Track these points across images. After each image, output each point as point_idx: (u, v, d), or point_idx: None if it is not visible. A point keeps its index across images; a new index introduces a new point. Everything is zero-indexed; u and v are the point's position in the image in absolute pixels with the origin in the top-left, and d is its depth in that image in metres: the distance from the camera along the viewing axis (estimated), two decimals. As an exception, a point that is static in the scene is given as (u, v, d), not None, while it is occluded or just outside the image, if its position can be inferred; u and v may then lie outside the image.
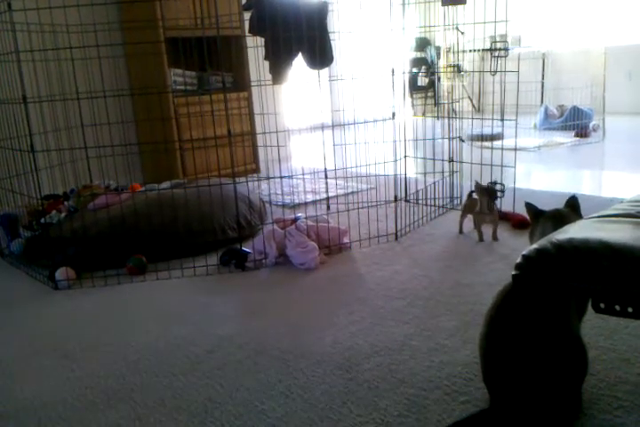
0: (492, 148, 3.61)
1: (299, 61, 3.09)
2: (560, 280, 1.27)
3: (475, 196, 2.89)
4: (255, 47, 3.23)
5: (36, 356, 1.89)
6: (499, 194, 3.09)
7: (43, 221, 2.85)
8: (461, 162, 3.38)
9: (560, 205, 1.73)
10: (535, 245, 1.31)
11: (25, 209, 3.00)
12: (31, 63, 3.66)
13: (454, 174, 3.39)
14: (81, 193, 3.13)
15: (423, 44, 7.88)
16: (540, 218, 1.69)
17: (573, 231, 1.34)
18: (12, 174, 2.87)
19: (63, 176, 3.61)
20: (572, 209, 1.70)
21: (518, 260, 1.31)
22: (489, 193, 2.70)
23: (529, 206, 1.73)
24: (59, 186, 3.52)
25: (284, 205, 3.59)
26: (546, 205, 1.77)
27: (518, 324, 1.34)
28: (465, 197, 2.94)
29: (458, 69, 6.79)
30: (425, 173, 3.79)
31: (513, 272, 1.31)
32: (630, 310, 1.14)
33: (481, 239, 2.73)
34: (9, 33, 2.50)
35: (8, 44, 2.56)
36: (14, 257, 2.86)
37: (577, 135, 5.54)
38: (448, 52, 7.00)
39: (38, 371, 1.79)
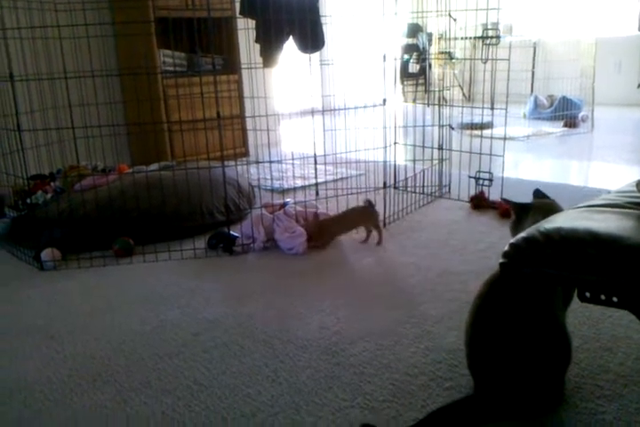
0: (481, 136, 3.62)
1: (290, 45, 3.06)
2: (547, 269, 1.28)
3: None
4: (246, 29, 3.19)
5: (20, 337, 1.88)
6: (487, 183, 3.11)
7: (29, 201, 2.82)
8: (451, 150, 3.38)
9: (550, 194, 1.74)
10: (523, 234, 1.32)
11: (11, 189, 2.97)
12: (18, 41, 3.59)
13: (443, 162, 3.39)
14: (68, 174, 3.09)
15: (415, 30, 7.83)
16: (528, 210, 1.69)
17: (561, 221, 1.35)
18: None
19: (50, 156, 3.56)
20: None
21: (506, 248, 1.31)
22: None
23: (508, 201, 1.73)
24: (45, 166, 3.48)
25: (272, 190, 3.58)
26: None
27: (504, 312, 1.35)
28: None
29: (449, 57, 6.77)
30: (414, 161, 3.79)
31: (500, 260, 1.32)
32: (615, 299, 1.15)
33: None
34: (-5, 9, 2.45)
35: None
36: (-1, 237, 2.84)
37: (565, 125, 5.56)
38: (440, 38, 6.97)
39: (23, 352, 1.79)
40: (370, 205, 2.63)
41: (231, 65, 4.47)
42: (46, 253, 2.45)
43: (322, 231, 2.57)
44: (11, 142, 2.65)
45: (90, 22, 3.93)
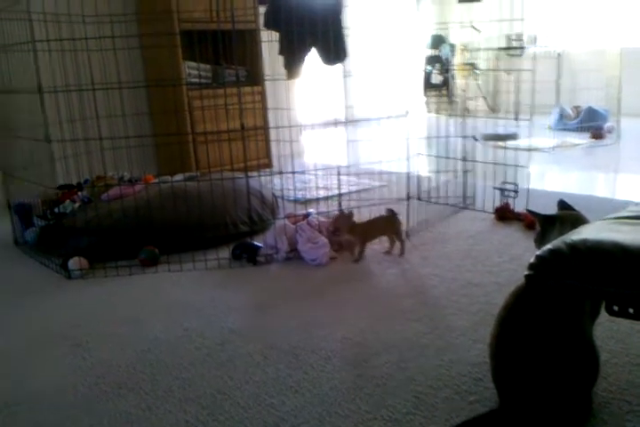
0: (505, 147, 3.60)
1: (313, 57, 3.08)
2: (573, 281, 1.27)
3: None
4: (270, 42, 3.22)
5: (48, 344, 1.91)
6: (512, 194, 3.09)
7: (57, 210, 2.87)
8: (474, 161, 3.36)
9: (576, 206, 1.72)
10: (549, 246, 1.31)
11: (39, 198, 3.02)
12: (47, 53, 3.67)
13: (467, 173, 3.38)
14: (95, 184, 3.14)
15: (438, 41, 7.83)
16: (554, 222, 1.67)
17: (588, 232, 1.33)
18: (28, 164, 2.89)
19: (77, 166, 3.62)
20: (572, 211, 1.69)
21: (532, 260, 1.30)
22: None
23: (533, 213, 1.72)
24: (73, 176, 3.53)
25: (295, 201, 3.59)
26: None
27: (530, 325, 1.33)
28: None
29: (473, 67, 6.76)
30: (437, 172, 3.78)
31: (526, 272, 1.31)
32: (644, 313, 1.14)
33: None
34: (26, 22, 2.51)
35: (25, 34, 2.57)
36: (28, 246, 2.89)
37: (592, 136, 5.50)
38: (463, 50, 6.96)
39: (50, 359, 1.81)
40: (393, 214, 2.64)
41: (255, 77, 4.51)
42: (74, 262, 2.49)
43: (354, 233, 2.57)
44: (40, 153, 2.70)
45: (117, 35, 4.01)
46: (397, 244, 2.65)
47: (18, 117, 2.88)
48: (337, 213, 2.64)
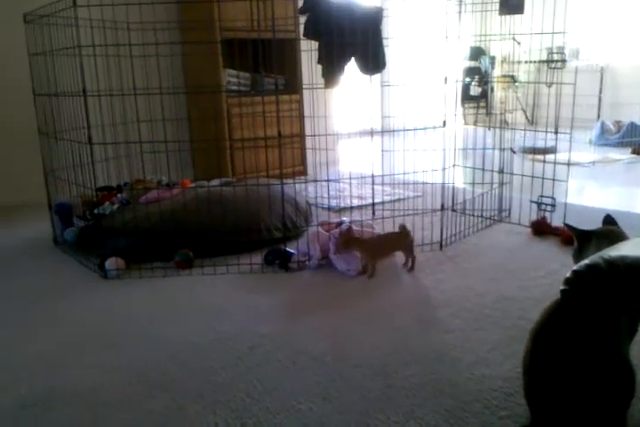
0: (544, 161, 3.56)
1: (351, 66, 3.10)
2: (610, 297, 1.25)
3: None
4: (309, 51, 3.26)
5: (83, 343, 1.95)
6: (549, 208, 3.04)
7: (96, 211, 2.93)
8: (512, 174, 3.33)
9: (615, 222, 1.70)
10: (586, 261, 1.29)
11: (80, 199, 3.09)
12: (92, 58, 3.77)
13: (504, 186, 3.34)
14: (134, 186, 3.21)
15: (477, 53, 7.80)
16: (590, 237, 1.65)
17: (626, 249, 1.31)
18: (70, 165, 2.97)
19: (117, 169, 3.70)
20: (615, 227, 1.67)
21: (568, 275, 1.29)
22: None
23: (570, 228, 1.70)
24: (113, 178, 3.61)
25: (329, 209, 3.60)
26: (598, 223, 1.73)
27: (565, 341, 1.31)
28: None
29: (513, 80, 6.70)
30: (473, 184, 3.75)
31: (562, 287, 1.29)
32: (684, 332, 1.11)
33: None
34: (72, 28, 2.58)
35: (71, 39, 2.65)
36: (67, 245, 2.95)
37: (634, 152, 5.39)
38: (503, 62, 6.91)
39: (84, 358, 1.85)
40: (404, 230, 2.59)
41: (293, 85, 4.55)
42: (110, 263, 2.54)
43: (349, 244, 2.48)
44: (82, 155, 2.77)
45: (160, 42, 4.10)
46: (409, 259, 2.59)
47: (62, 120, 2.96)
48: (336, 234, 2.54)
